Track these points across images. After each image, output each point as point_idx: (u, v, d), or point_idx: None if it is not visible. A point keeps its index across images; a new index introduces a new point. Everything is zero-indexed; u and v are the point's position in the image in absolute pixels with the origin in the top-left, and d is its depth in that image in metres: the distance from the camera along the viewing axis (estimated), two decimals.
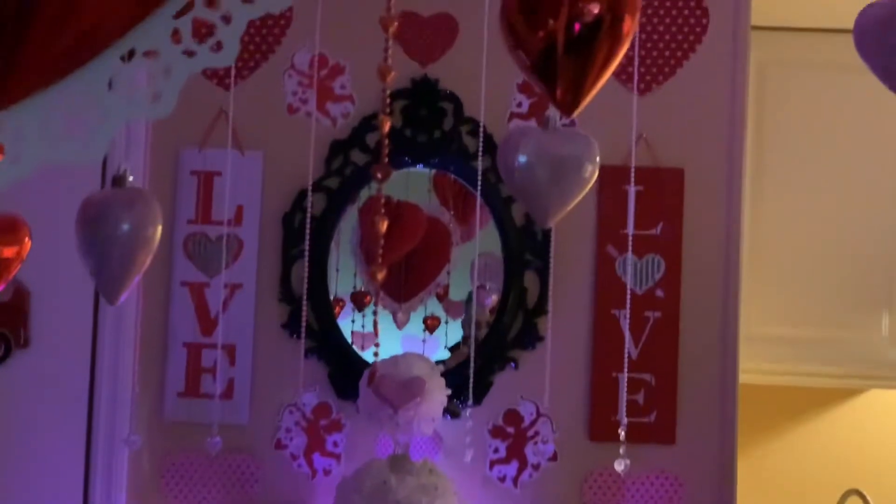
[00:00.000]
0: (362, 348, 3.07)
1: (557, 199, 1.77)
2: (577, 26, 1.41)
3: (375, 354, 1.76)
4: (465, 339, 3.10)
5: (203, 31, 1.30)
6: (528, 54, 1.45)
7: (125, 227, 1.79)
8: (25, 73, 1.21)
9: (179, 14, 1.29)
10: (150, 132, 3.03)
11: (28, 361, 3.03)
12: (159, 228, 1.84)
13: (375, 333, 1.63)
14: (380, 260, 1.42)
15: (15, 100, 1.24)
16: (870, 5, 1.89)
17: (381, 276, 1.41)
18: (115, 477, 3.02)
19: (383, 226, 1.46)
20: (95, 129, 1.26)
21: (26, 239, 1.71)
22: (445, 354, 3.12)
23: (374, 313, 1.55)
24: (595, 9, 1.40)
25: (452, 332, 3.15)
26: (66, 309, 3.05)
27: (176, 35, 1.28)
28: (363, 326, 3.10)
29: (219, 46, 1.29)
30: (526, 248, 3.05)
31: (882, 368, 3.77)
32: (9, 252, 1.67)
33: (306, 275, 2.92)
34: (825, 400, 4.16)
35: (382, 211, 1.45)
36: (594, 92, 1.44)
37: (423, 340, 3.10)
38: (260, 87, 3.07)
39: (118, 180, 1.80)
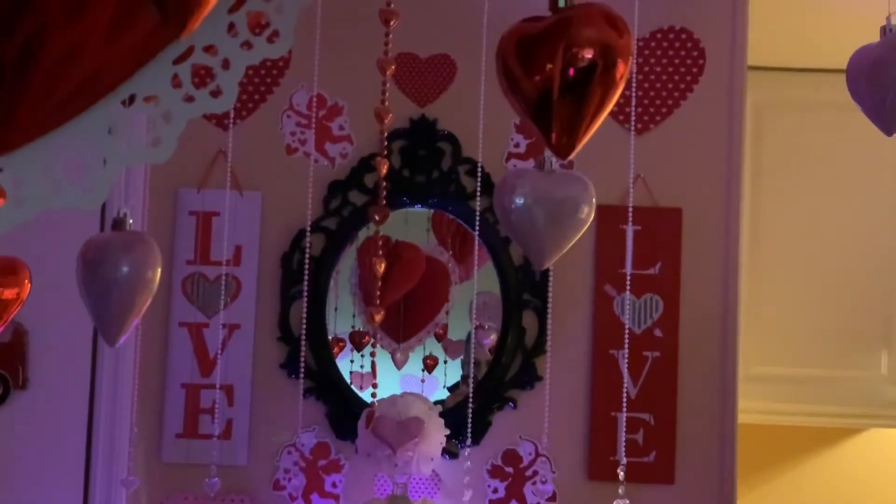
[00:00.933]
0: (361, 388, 3.07)
1: (554, 240, 1.78)
2: (571, 71, 1.42)
3: (373, 395, 1.76)
4: (464, 378, 3.10)
5: (202, 76, 1.31)
6: (523, 98, 1.46)
7: (125, 269, 1.80)
8: (27, 118, 1.22)
9: (179, 60, 1.30)
10: (149, 173, 3.04)
11: (26, 402, 3.03)
12: (159, 271, 1.85)
13: (374, 375, 1.63)
14: (377, 301, 1.42)
15: (16, 145, 1.24)
16: (862, 48, 1.91)
17: (378, 317, 1.42)
18: None
19: (381, 267, 1.46)
20: (96, 173, 1.27)
21: (26, 281, 1.72)
22: (444, 394, 3.12)
23: (373, 355, 1.55)
24: (588, 54, 1.42)
25: (451, 371, 3.15)
26: (65, 350, 3.04)
27: (176, 80, 1.29)
28: (362, 367, 3.11)
29: (218, 91, 1.30)
30: (524, 288, 3.06)
31: (881, 407, 3.77)
32: (9, 294, 1.68)
33: (305, 315, 2.93)
34: (824, 439, 4.16)
35: (380, 252, 1.46)
36: (589, 135, 1.45)
37: (422, 380, 3.10)
38: (258, 127, 3.08)
39: (118, 223, 1.80)
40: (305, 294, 2.90)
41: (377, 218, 1.46)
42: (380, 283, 1.45)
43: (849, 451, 4.16)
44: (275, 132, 3.07)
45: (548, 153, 1.80)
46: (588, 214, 1.83)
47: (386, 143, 1.50)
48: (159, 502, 3.04)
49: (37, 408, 3.02)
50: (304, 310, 2.93)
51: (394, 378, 3.08)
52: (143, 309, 1.89)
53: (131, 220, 1.82)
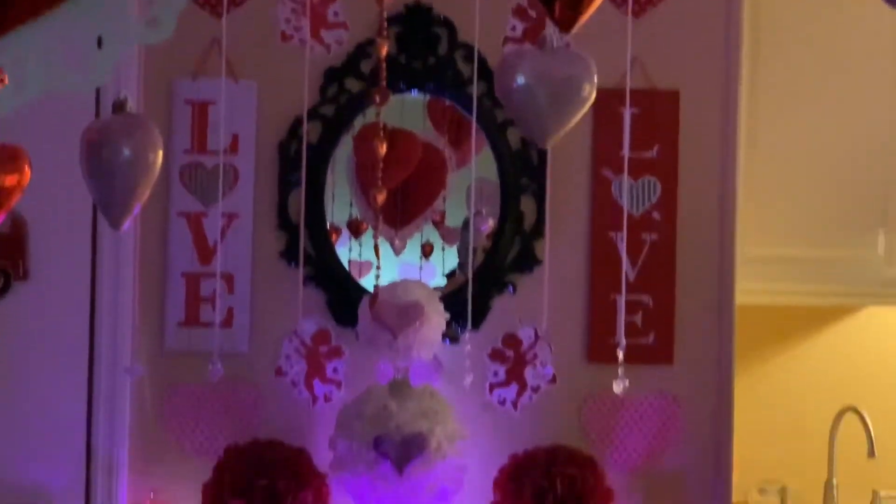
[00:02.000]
0: (359, 276, 3.08)
1: (556, 119, 1.77)
2: None
3: (377, 277, 1.78)
4: (462, 266, 3.11)
5: None
6: None
7: (126, 152, 1.79)
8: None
9: None
10: (143, 63, 3.02)
11: (28, 294, 3.04)
12: (160, 154, 1.84)
13: (377, 255, 1.63)
14: (379, 183, 1.42)
15: (11, 26, 1.23)
16: None
17: (381, 198, 1.41)
18: (117, 406, 3.04)
19: (382, 149, 1.46)
20: (94, 56, 1.26)
21: (26, 168, 1.72)
22: (442, 281, 3.13)
23: (375, 236, 1.55)
24: None
25: (449, 258, 3.16)
26: (65, 241, 3.05)
27: None
28: (360, 255, 3.11)
29: None
30: (522, 173, 3.05)
31: (878, 286, 3.79)
32: (10, 181, 1.68)
33: (303, 202, 2.93)
34: (821, 319, 4.18)
35: (381, 134, 1.45)
36: (593, 8, 1.44)
37: (420, 267, 3.11)
38: (252, 15, 3.05)
39: (118, 107, 1.79)
40: (303, 182, 2.89)
41: (378, 99, 1.46)
42: (381, 165, 1.45)
43: (845, 329, 4.19)
44: (269, 19, 3.04)
45: (548, 32, 1.78)
46: (590, 93, 1.82)
47: (385, 24, 1.48)
48: (163, 390, 3.06)
49: (38, 299, 3.04)
50: (303, 197, 2.93)
51: (392, 266, 3.09)
52: (147, 192, 1.89)
53: (131, 104, 1.81)
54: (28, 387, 3.03)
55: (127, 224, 1.85)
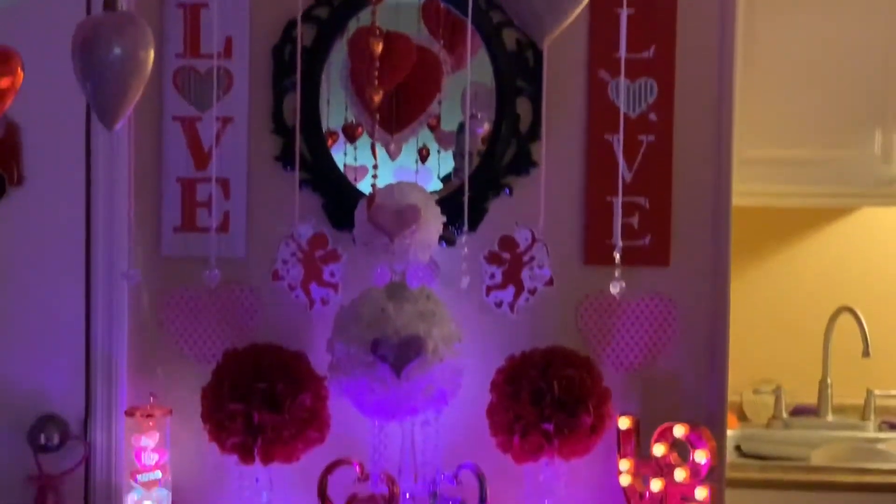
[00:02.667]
0: (355, 182, 3.08)
1: (554, 15, 1.75)
2: None
3: (374, 177, 1.77)
4: (458, 171, 3.10)
5: None
6: None
7: (117, 50, 1.77)
8: None
9: None
10: None
11: (23, 199, 3.04)
12: (151, 53, 1.82)
13: (374, 154, 1.62)
14: (376, 82, 1.40)
15: None
16: None
17: (377, 98, 1.40)
18: (115, 311, 3.05)
19: (378, 48, 1.45)
20: None
21: (19, 69, 1.70)
22: (438, 185, 3.13)
23: (371, 134, 1.53)
24: None
25: (445, 163, 3.15)
26: (59, 145, 3.04)
27: None
28: (355, 159, 3.10)
29: None
30: (518, 75, 3.03)
31: (874, 186, 3.80)
32: (4, 83, 1.66)
33: (298, 105, 2.91)
34: (818, 219, 4.20)
35: (377, 33, 1.44)
36: None
37: (416, 171, 3.10)
38: None
39: (109, 4, 1.77)
40: (298, 85, 2.87)
41: None
42: (377, 64, 1.43)
43: (841, 230, 4.21)
44: None
45: None
46: None
47: None
48: (160, 295, 3.07)
49: (34, 204, 3.03)
50: (298, 100, 2.91)
51: (388, 171, 3.08)
52: (139, 91, 1.88)
53: (122, 3, 1.79)
54: (25, 292, 3.04)
55: (120, 124, 1.84)
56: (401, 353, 2.70)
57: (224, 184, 3.04)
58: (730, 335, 3.04)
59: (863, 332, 3.95)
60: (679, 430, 2.89)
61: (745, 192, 3.30)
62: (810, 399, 4.14)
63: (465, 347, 2.83)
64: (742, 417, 4.17)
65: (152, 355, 3.08)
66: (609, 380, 2.92)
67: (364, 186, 3.03)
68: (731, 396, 3.14)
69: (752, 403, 4.18)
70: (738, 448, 3.95)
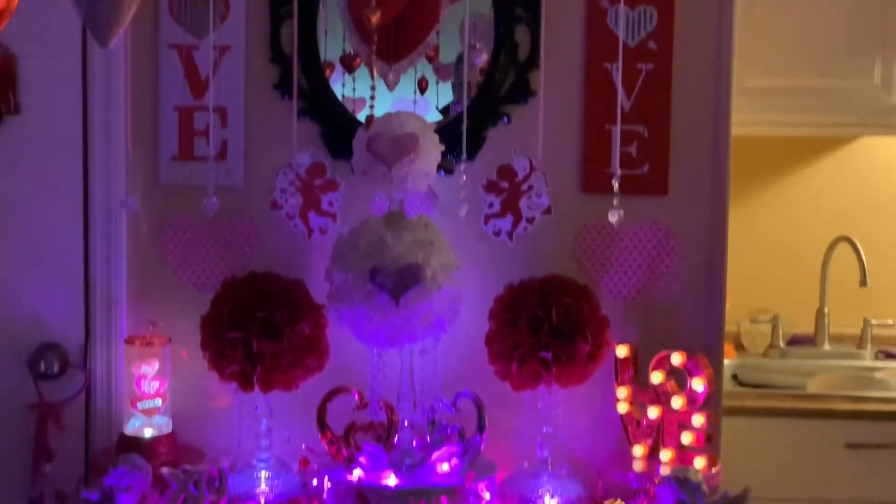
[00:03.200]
0: (353, 112, 3.07)
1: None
2: None
3: (372, 98, 1.75)
4: (456, 103, 3.09)
5: None
6: None
7: None
8: None
9: None
10: None
11: (20, 128, 3.02)
12: None
13: (372, 77, 1.61)
14: (373, 3, 1.39)
15: None
16: None
17: (375, 19, 1.39)
18: (113, 239, 3.05)
19: None
20: None
21: None
22: (437, 116, 3.11)
23: (370, 63, 1.51)
24: None
25: (443, 94, 3.13)
26: (56, 74, 3.02)
27: None
28: (354, 91, 3.08)
29: None
30: (516, 3, 3.01)
31: (873, 115, 3.79)
32: None
33: (295, 33, 2.90)
34: (817, 149, 4.20)
35: None
36: None
37: (414, 102, 3.08)
38: None
39: None
40: (295, 13, 2.85)
41: None
42: None
43: (840, 159, 4.21)
44: None
45: None
46: None
47: None
48: (159, 224, 3.07)
49: (31, 133, 3.02)
50: (295, 28, 2.89)
51: (386, 102, 3.06)
52: (133, 7, 1.85)
53: None
54: (24, 221, 3.04)
55: (114, 42, 1.82)
56: (399, 282, 2.71)
57: (222, 112, 3.03)
58: (728, 264, 3.04)
59: (860, 262, 3.96)
60: (676, 358, 2.90)
61: (745, 121, 3.29)
62: (807, 328, 4.16)
63: (463, 276, 2.84)
64: (739, 347, 4.19)
65: (151, 284, 3.08)
66: (607, 308, 2.93)
67: (362, 117, 3.02)
68: (729, 326, 3.16)
69: (750, 333, 4.20)
70: (734, 377, 3.98)
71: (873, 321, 4.08)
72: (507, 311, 2.84)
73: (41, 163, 3.03)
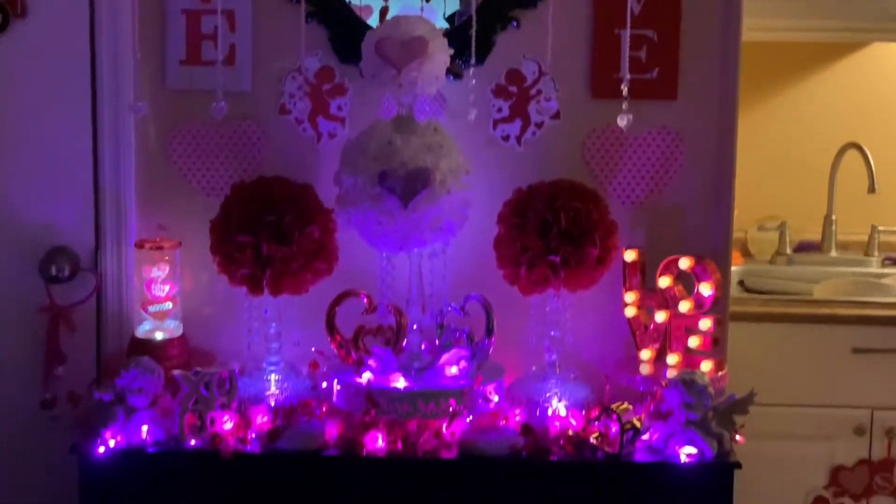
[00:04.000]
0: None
1: None
2: None
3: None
4: (462, 12, 3.06)
5: None
6: None
7: None
8: None
9: None
10: None
11: (27, 31, 3.01)
12: None
13: None
14: None
15: None
16: None
17: None
18: (122, 143, 3.04)
19: None
20: None
21: None
22: (443, 24, 3.09)
23: None
24: None
25: (450, 1, 3.11)
26: None
27: None
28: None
29: None
30: None
31: (885, 21, 3.76)
32: None
33: None
34: (826, 55, 4.17)
35: None
36: None
37: (421, 10, 3.05)
38: None
39: None
40: None
41: None
42: None
43: (850, 66, 4.18)
44: None
45: None
46: None
47: None
48: (167, 128, 3.07)
49: (37, 37, 3.01)
50: None
51: (393, 9, 3.05)
52: None
53: None
54: (32, 126, 3.04)
55: None
56: (408, 185, 2.71)
57: (229, 16, 3.00)
58: (736, 171, 3.04)
59: (869, 168, 3.96)
60: (684, 263, 2.91)
61: (755, 26, 3.27)
62: (815, 235, 4.16)
63: (471, 181, 2.84)
64: (746, 254, 4.20)
65: (160, 188, 3.08)
66: (615, 213, 2.93)
67: (372, 22, 3.02)
68: (736, 233, 3.16)
69: (757, 240, 4.21)
70: (741, 284, 3.99)
71: (880, 228, 4.08)
72: (515, 216, 2.84)
73: (48, 67, 3.02)
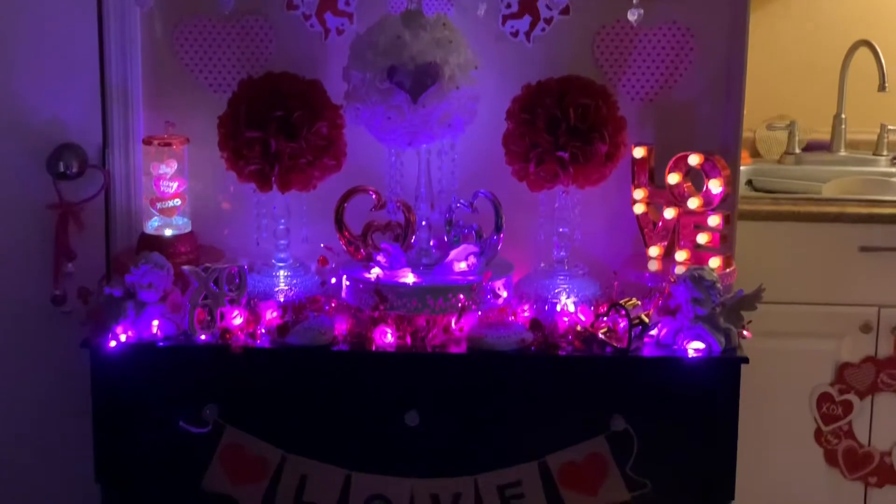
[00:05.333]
0: None
1: None
2: None
3: None
4: None
5: None
6: None
7: None
8: None
9: None
10: None
11: None
12: None
13: None
14: None
15: None
16: None
17: None
18: (128, 38, 3.01)
19: None
20: None
21: None
22: None
23: None
24: None
25: None
26: None
27: None
28: None
29: None
30: None
31: None
32: None
33: None
34: None
35: None
36: None
37: None
38: None
39: None
40: None
41: None
42: None
43: None
44: None
45: None
46: None
47: None
48: (174, 23, 3.04)
49: None
50: None
51: None
52: None
53: None
54: (37, 21, 3.01)
55: None
56: (417, 80, 2.69)
57: None
58: (746, 70, 3.02)
59: (880, 67, 3.92)
60: (694, 159, 2.90)
61: None
62: (824, 135, 4.14)
63: (480, 77, 2.82)
64: (755, 154, 4.18)
65: (167, 83, 3.06)
66: (624, 109, 2.91)
67: None
68: (745, 133, 3.14)
69: (766, 140, 4.19)
70: (749, 183, 3.98)
71: (890, 127, 4.06)
72: (524, 111, 2.83)
73: None
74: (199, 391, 2.76)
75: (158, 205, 3.00)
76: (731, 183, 2.92)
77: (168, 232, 3.00)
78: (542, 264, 2.98)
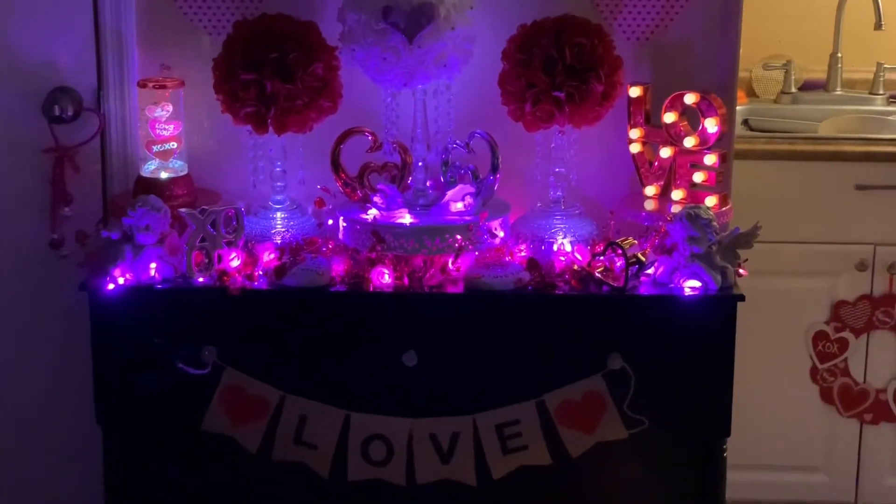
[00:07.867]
0: None
1: None
2: None
3: None
4: None
5: None
6: None
7: None
8: None
9: None
10: None
11: None
12: None
13: None
14: None
15: None
16: None
17: None
18: None
19: None
20: None
21: None
22: None
23: None
24: None
25: None
26: None
27: None
28: None
29: None
30: None
31: None
32: None
33: None
34: None
35: None
36: None
37: None
38: None
39: None
40: None
41: None
42: None
43: None
44: None
45: None
46: None
47: None
48: None
49: None
50: None
51: None
52: None
53: None
54: None
55: None
56: (413, 20, 2.68)
57: None
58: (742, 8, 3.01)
59: (876, 5, 3.91)
60: (690, 98, 2.90)
61: None
62: (820, 74, 4.14)
63: (476, 17, 2.81)
64: (751, 94, 4.18)
65: (162, 26, 3.04)
66: (620, 49, 2.90)
67: None
68: (741, 73, 3.14)
69: (762, 79, 4.19)
70: (745, 123, 3.98)
71: (886, 65, 4.06)
72: (520, 51, 2.82)
73: None
74: (197, 333, 2.77)
75: (154, 148, 2.99)
76: (727, 122, 2.92)
77: (164, 175, 3.00)
78: (539, 204, 2.99)
